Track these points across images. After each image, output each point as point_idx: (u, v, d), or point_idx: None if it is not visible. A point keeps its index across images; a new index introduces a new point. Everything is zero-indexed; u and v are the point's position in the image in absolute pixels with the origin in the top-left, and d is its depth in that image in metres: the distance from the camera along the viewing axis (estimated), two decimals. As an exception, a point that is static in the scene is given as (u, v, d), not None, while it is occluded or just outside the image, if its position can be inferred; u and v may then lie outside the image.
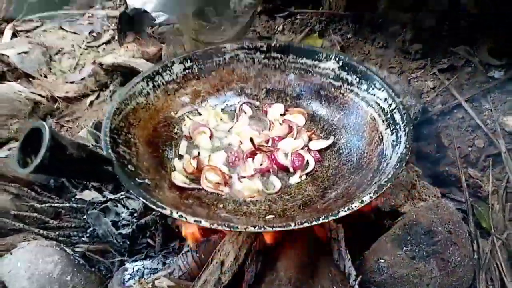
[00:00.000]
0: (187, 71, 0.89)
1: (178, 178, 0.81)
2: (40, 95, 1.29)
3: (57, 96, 1.32)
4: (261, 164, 0.84)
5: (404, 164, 0.69)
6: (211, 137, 0.89)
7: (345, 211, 0.62)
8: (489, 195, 1.02)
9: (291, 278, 0.68)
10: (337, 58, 0.85)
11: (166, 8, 1.58)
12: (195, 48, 1.03)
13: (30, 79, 1.39)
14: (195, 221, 0.61)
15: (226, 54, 0.90)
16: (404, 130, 0.74)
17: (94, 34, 1.61)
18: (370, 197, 0.64)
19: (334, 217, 0.61)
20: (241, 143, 0.87)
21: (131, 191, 0.65)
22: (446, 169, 1.10)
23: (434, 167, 1.10)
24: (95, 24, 1.65)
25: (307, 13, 1.54)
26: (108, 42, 1.60)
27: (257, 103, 0.94)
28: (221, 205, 0.78)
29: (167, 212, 0.62)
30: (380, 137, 0.80)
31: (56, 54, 1.53)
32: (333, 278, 0.71)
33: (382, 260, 0.74)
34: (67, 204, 0.97)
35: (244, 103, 0.94)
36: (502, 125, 1.15)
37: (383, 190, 0.65)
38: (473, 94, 1.24)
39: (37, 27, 1.66)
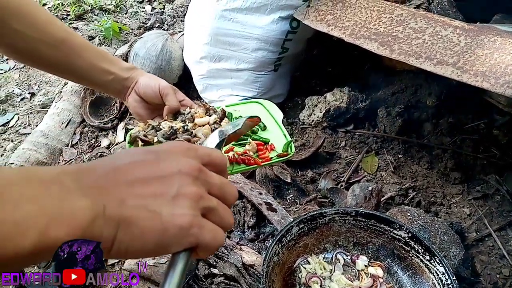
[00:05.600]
0: (300, 230, 1.11)
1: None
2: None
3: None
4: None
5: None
6: (321, 285, 1.06)
7: None
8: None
9: None
10: (407, 230, 1.06)
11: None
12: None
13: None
14: None
15: (326, 217, 1.13)
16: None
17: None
18: None
19: None
20: None
21: None
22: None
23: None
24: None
25: (364, 133, 1.76)
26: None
27: (347, 253, 1.15)
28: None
29: None
30: (440, 302, 0.98)
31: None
32: None
33: None
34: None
35: (338, 252, 1.15)
36: (523, 256, 1.33)
37: None
38: (501, 225, 1.42)
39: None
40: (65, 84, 2.11)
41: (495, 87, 1.09)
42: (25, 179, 0.34)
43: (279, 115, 1.05)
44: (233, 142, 0.94)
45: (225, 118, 0.93)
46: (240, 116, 1.02)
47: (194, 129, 0.86)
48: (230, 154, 0.91)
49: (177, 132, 0.84)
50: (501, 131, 1.66)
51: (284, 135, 1.00)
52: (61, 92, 2.07)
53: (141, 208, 0.38)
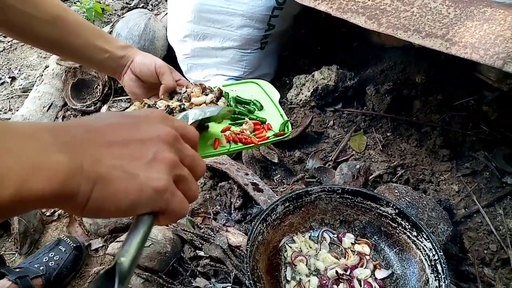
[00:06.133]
0: (286, 209, 1.09)
1: (291, 302, 0.93)
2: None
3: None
4: (344, 291, 1.00)
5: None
6: (306, 263, 1.05)
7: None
8: (499, 292, 1.17)
9: None
10: (394, 206, 1.04)
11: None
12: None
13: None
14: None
15: (312, 195, 1.11)
16: (444, 282, 0.90)
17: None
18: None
19: None
20: (326, 269, 1.04)
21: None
22: (466, 268, 1.22)
23: (458, 266, 1.23)
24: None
25: (353, 112, 1.72)
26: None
27: (334, 231, 1.13)
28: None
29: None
30: (427, 278, 0.95)
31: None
32: None
33: None
34: (186, 291, 1.04)
35: (324, 231, 1.13)
36: (511, 231, 1.30)
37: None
38: (489, 201, 1.40)
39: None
40: (46, 67, 2.05)
41: (485, 59, 1.06)
42: (2, 132, 0.34)
43: (276, 95, 1.06)
44: (230, 122, 0.95)
45: (222, 98, 0.93)
46: (237, 96, 1.04)
47: (190, 108, 0.85)
48: (227, 133, 0.91)
49: (174, 111, 0.84)
50: (491, 107, 1.64)
51: (281, 115, 1.01)
52: (42, 75, 2.01)
53: (118, 168, 0.38)
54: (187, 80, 1.71)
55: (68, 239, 1.29)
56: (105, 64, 0.89)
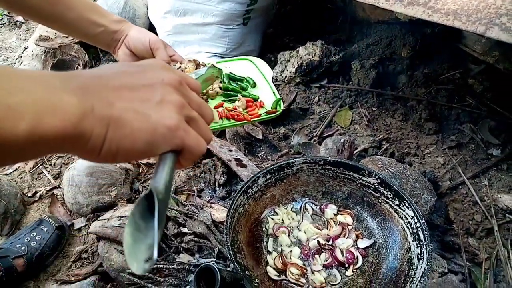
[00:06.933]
0: (267, 181, 1.08)
1: (272, 272, 0.96)
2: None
3: (141, 163, 1.43)
4: (325, 260, 1.00)
5: (426, 279, 0.84)
6: (288, 235, 1.04)
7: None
8: (483, 261, 1.17)
9: None
10: (376, 176, 1.03)
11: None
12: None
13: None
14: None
15: (294, 167, 1.09)
16: (426, 249, 0.90)
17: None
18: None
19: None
20: (308, 240, 1.04)
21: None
22: (451, 239, 1.23)
23: (443, 236, 1.23)
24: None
25: (338, 87, 1.70)
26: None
27: (316, 203, 1.12)
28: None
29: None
30: (409, 246, 0.95)
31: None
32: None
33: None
34: (170, 266, 1.06)
35: (306, 202, 1.12)
36: (496, 202, 1.31)
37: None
38: (474, 172, 1.40)
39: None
40: (25, 48, 1.99)
41: (467, 25, 1.04)
42: (11, 73, 0.33)
43: (268, 72, 1.06)
44: (223, 98, 0.96)
45: None
46: (231, 73, 1.04)
47: None
48: (220, 109, 0.92)
49: None
50: (476, 80, 1.63)
51: (274, 92, 1.01)
52: (21, 57, 1.95)
53: (130, 109, 0.39)
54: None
55: (50, 219, 1.27)
56: (99, 38, 0.89)
